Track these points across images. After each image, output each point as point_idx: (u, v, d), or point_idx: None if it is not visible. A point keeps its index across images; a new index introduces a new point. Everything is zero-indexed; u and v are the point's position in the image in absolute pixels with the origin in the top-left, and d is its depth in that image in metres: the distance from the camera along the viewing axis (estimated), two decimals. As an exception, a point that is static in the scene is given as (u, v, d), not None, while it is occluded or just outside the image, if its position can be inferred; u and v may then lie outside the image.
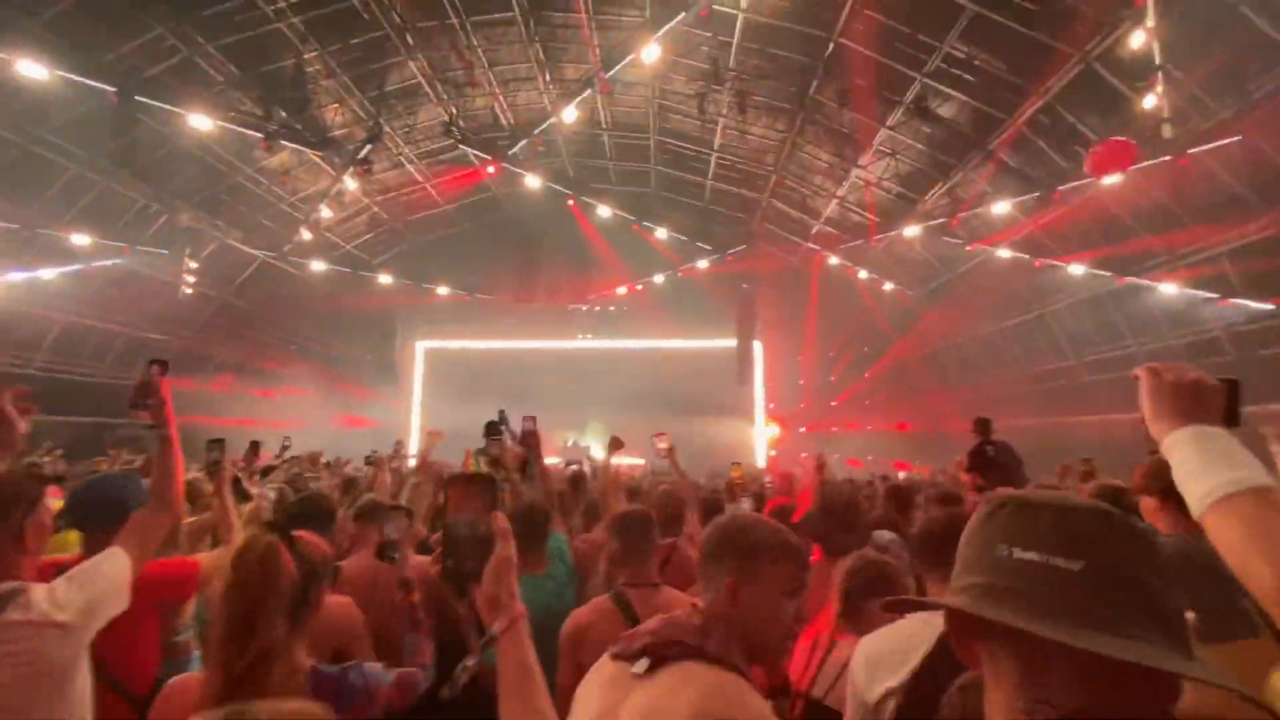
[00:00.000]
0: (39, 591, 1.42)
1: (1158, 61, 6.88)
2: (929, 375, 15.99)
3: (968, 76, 9.40)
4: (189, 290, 12.25)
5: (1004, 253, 11.47)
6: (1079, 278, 10.64)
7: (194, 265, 12.11)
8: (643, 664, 1.05)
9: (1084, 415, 12.00)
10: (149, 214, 11.25)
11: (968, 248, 11.99)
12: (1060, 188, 9.29)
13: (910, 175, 12.06)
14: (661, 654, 1.06)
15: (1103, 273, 10.20)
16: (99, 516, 1.92)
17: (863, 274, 14.54)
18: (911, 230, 11.84)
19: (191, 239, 11.89)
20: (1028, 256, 11.22)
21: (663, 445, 3.84)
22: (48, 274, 10.36)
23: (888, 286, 14.74)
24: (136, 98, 8.51)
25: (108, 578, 1.54)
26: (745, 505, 4.05)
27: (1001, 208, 10.28)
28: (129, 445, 7.32)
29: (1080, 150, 8.79)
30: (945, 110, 10.30)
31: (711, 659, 1.05)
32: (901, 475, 7.77)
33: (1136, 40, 6.66)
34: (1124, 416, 11.17)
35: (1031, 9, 7.81)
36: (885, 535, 2.46)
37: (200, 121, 9.13)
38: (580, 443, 15.56)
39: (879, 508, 3.41)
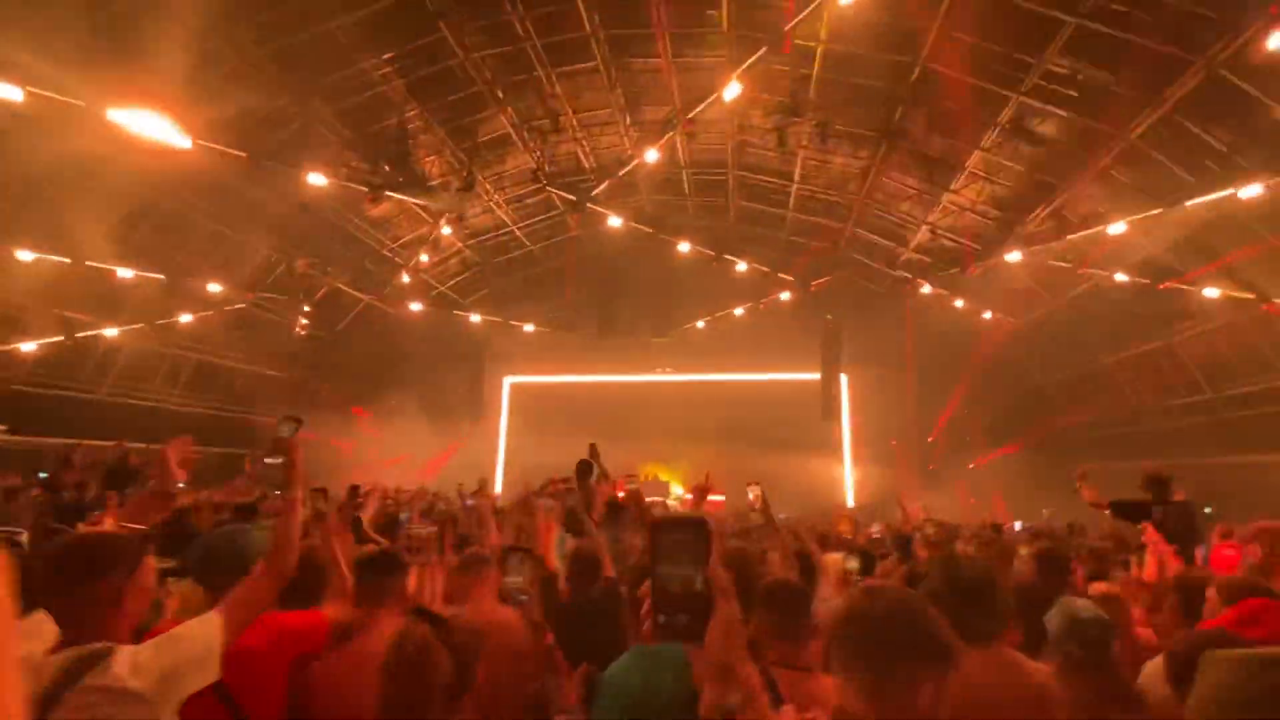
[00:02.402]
0: (123, 655, 1.36)
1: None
2: (1038, 411, 14.76)
3: (1070, 92, 8.82)
4: (302, 331, 13.33)
5: (1121, 276, 10.51)
6: (1214, 302, 9.56)
7: (307, 308, 13.20)
8: None
9: (1226, 456, 10.66)
10: (270, 263, 12.42)
11: (1079, 271, 11.09)
12: (1187, 203, 8.44)
13: (1009, 198, 11.38)
14: None
15: (1244, 295, 9.11)
16: (220, 571, 1.93)
17: (959, 303, 13.74)
18: (1013, 255, 11.10)
19: (305, 284, 12.99)
20: (1149, 281, 10.23)
21: (753, 495, 3.55)
22: (185, 318, 11.59)
23: (987, 315, 13.84)
24: (263, 161, 9.50)
25: (195, 645, 1.47)
26: (851, 564, 3.64)
27: (1117, 228, 9.44)
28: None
29: (1209, 162, 8.00)
30: (1046, 128, 9.69)
31: None
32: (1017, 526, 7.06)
33: (1274, 42, 6.01)
34: (1278, 458, 9.81)
35: (1142, 18, 7.26)
36: (1083, 606, 2.12)
37: (316, 179, 10.02)
38: (660, 479, 15.40)
39: (1025, 572, 2.98)
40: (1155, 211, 8.83)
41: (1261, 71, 6.66)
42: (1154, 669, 2.28)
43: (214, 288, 11.38)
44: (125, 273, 9.98)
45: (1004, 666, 1.86)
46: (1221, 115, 7.65)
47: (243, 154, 9.27)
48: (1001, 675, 1.80)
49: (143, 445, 7.87)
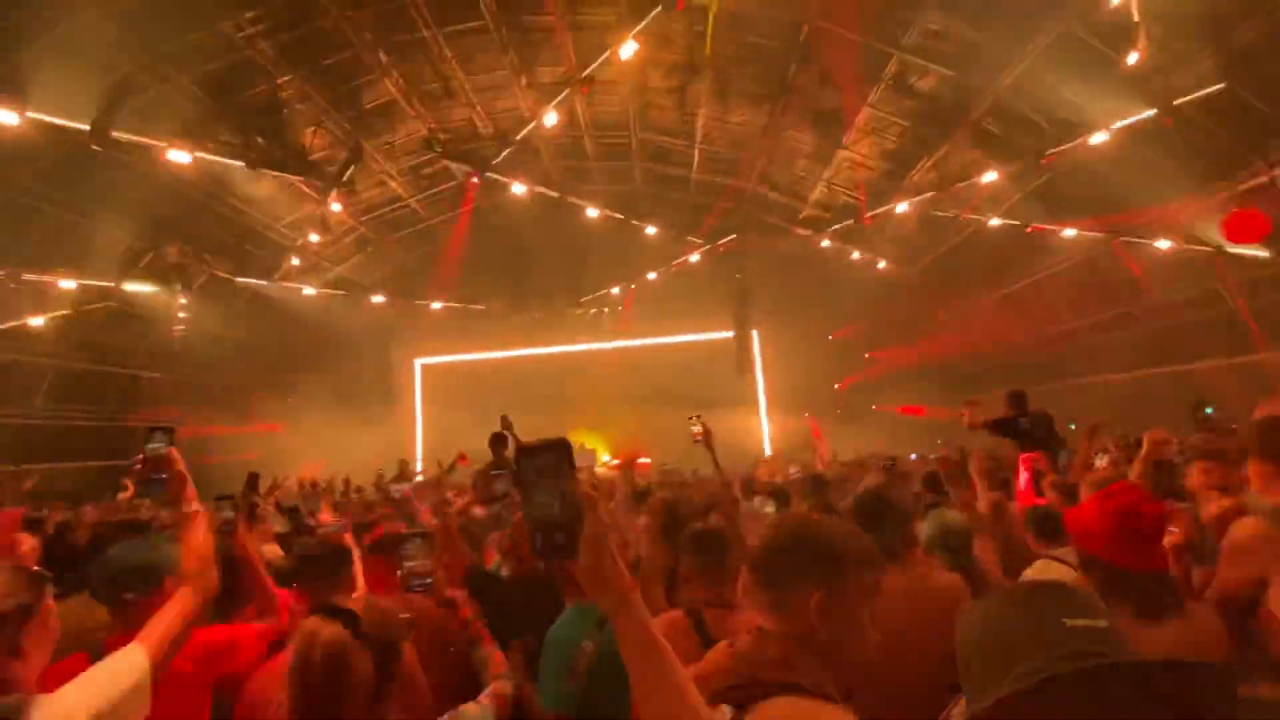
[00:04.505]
0: (43, 704, 1.26)
1: (1136, 18, 6.86)
2: (931, 351, 15.98)
3: (945, 48, 9.36)
4: (181, 326, 12.17)
5: (995, 221, 11.45)
6: (1074, 240, 10.63)
7: (184, 300, 12.03)
8: (726, 712, 0.93)
9: (1087, 376, 12.04)
10: (135, 252, 11.15)
11: (959, 219, 11.97)
12: (1049, 152, 9.26)
13: (896, 151, 12.02)
14: (746, 696, 0.94)
15: (1097, 234, 10.19)
16: (123, 589, 1.81)
17: (855, 254, 14.50)
18: (902, 206, 11.80)
19: (181, 274, 11.80)
20: (1020, 223, 11.21)
21: (696, 429, 3.35)
22: (36, 321, 10.27)
23: (881, 265, 14.71)
24: (112, 134, 8.41)
25: (122, 681, 1.37)
26: (769, 508, 3.86)
27: (990, 177, 10.24)
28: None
29: (1066, 114, 8.79)
30: (925, 84, 10.26)
31: (806, 692, 0.94)
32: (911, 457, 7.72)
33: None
34: (1126, 376, 11.20)
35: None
36: (951, 516, 2.40)
37: (178, 155, 9.05)
38: (586, 447, 15.49)
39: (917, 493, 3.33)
40: (1020, 161, 9.64)
41: (1106, 26, 7.32)
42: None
43: (67, 284, 10.13)
44: (-46, 273, 8.69)
45: (914, 583, 2.13)
46: (1074, 69, 8.38)
47: (84, 127, 8.19)
48: (913, 591, 2.04)
49: (9, 466, 7.02)
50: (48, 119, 7.58)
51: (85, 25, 7.63)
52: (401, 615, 1.38)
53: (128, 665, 1.40)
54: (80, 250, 10.21)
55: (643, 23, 8.51)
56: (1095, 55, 7.78)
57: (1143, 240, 9.70)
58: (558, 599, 2.25)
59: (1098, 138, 8.43)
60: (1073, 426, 8.34)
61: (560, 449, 0.92)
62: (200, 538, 1.68)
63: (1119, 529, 1.65)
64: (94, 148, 8.29)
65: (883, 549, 2.20)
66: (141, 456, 1.69)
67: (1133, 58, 6.76)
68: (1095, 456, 3.66)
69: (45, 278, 9.81)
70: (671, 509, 2.67)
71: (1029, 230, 11.15)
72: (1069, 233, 10.49)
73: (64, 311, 10.50)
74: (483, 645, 2.20)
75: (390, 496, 5.27)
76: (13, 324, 9.96)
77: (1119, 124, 8.20)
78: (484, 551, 3.52)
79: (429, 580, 2.23)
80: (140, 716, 1.38)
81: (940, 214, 12.08)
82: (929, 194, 11.59)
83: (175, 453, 1.72)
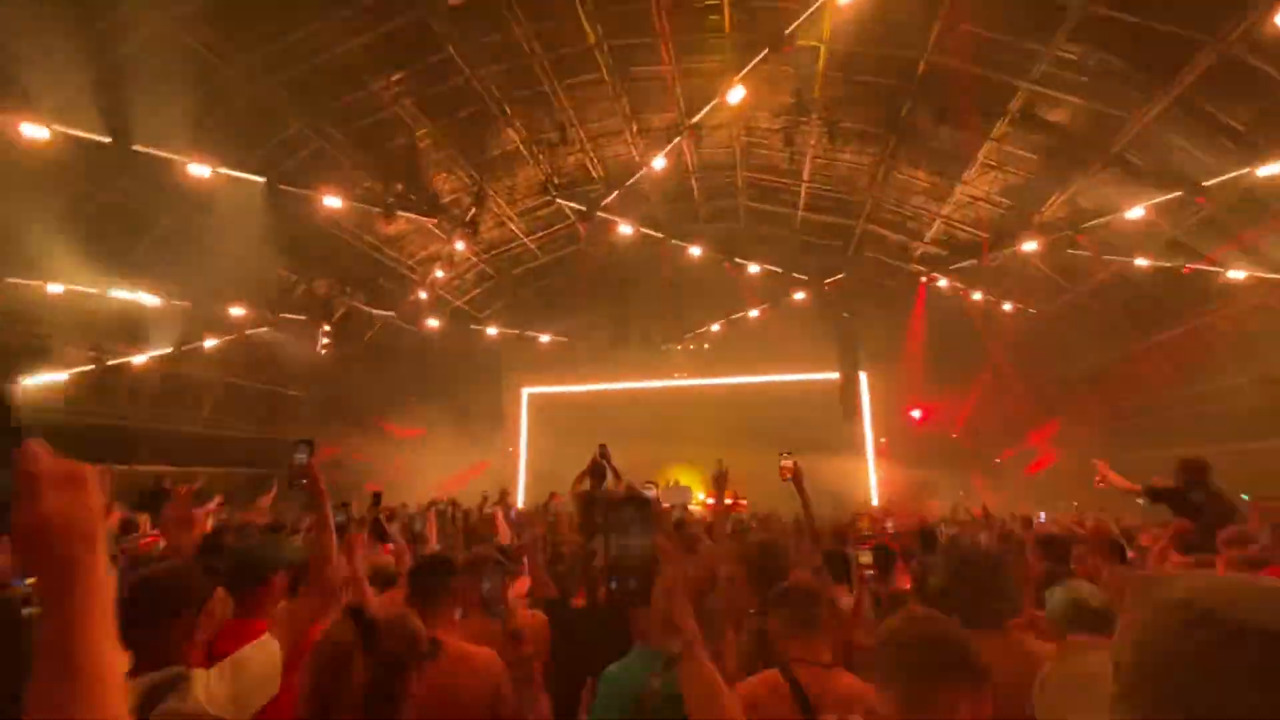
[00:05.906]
0: (198, 681, 1.52)
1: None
2: (1064, 402, 14.50)
3: (1081, 78, 8.71)
4: (323, 351, 13.56)
5: (1142, 261, 10.32)
6: (1241, 282, 9.35)
7: (327, 328, 13.42)
8: None
9: (1263, 440, 10.38)
10: (289, 285, 12.67)
11: (1100, 259, 10.90)
12: (1206, 183, 8.28)
13: (1022, 187, 11.24)
14: None
15: (1271, 275, 8.91)
16: (242, 580, 2.07)
17: (976, 295, 13.57)
18: (1029, 245, 10.96)
19: (325, 305, 13.22)
20: (1170, 264, 10.03)
21: (786, 463, 3.27)
22: (211, 343, 11.86)
23: (1006, 307, 13.66)
24: (280, 186, 9.72)
25: (258, 667, 1.61)
26: (864, 559, 3.68)
27: (1136, 212, 9.29)
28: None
29: (1227, 142, 7.85)
30: (1057, 116, 9.57)
31: None
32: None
33: (1286, 16, 5.90)
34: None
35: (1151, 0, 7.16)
36: (1085, 588, 2.13)
37: (331, 201, 10.24)
38: (681, 483, 15.34)
39: (1031, 560, 3.01)
40: (1173, 195, 8.67)
41: (1275, 49, 6.53)
42: None
43: (236, 311, 11.65)
44: (151, 300, 10.26)
45: (1011, 648, 1.99)
46: (1237, 95, 7.50)
47: (260, 179, 9.52)
48: (1009, 656, 1.86)
49: (174, 469, 8.07)
50: (230, 172, 8.86)
51: (263, 92, 8.93)
52: (425, 639, 1.43)
53: (263, 654, 1.64)
54: (249, 283, 11.74)
55: (748, 67, 8.63)
56: (1261, 79, 6.93)
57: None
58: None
59: (1269, 169, 7.44)
60: (1245, 497, 7.19)
61: (643, 504, 0.99)
62: (326, 540, 1.90)
63: None
64: (264, 195, 9.59)
65: (989, 615, 2.00)
66: (290, 464, 2.04)
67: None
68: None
69: (218, 306, 11.34)
70: (767, 553, 2.55)
71: (1185, 271, 9.94)
72: (1236, 274, 9.24)
73: (230, 336, 12.04)
74: (532, 686, 2.19)
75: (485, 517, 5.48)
76: (192, 345, 11.55)
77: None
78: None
79: (499, 610, 2.31)
80: (270, 696, 1.62)
81: (1076, 253, 11.08)
82: (1062, 232, 10.69)
83: (314, 464, 2.03)
